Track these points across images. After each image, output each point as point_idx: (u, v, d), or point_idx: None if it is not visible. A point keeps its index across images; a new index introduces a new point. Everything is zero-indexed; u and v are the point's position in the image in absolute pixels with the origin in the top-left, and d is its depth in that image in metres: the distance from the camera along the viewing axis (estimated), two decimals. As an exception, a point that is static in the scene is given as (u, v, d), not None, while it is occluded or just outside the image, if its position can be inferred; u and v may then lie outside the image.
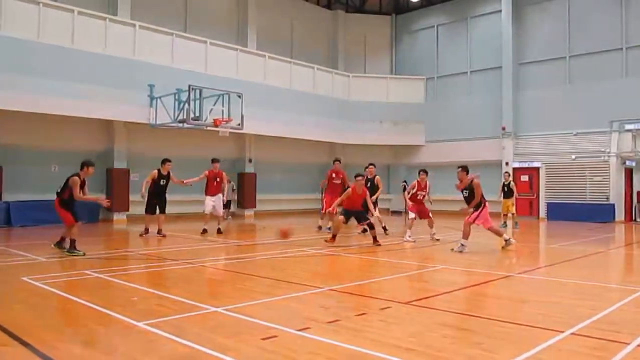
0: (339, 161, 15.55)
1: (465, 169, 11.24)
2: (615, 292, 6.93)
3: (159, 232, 13.35)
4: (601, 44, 21.36)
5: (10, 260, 9.11)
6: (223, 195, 15.01)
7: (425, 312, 5.68)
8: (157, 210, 13.46)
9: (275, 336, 4.55)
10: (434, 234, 12.96)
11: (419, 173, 13.23)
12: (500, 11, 23.95)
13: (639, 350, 4.25)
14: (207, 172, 14.25)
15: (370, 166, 14.97)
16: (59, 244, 10.03)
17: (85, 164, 9.96)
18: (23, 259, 9.24)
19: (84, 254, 9.56)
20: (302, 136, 23.30)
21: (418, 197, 13.02)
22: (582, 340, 4.56)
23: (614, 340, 4.51)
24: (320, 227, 15.12)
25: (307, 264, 9.47)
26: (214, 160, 14.46)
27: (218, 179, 14.25)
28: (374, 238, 11.83)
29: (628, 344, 4.35)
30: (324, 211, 14.93)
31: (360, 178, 12.19)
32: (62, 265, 8.72)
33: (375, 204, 13.29)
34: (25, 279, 7.25)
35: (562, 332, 4.71)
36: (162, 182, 13.44)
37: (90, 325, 5.03)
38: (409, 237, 12.69)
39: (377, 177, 14.66)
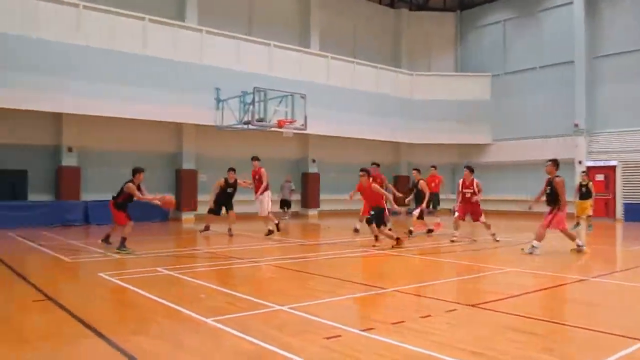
0: (378, 165, 14.99)
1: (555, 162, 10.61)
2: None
3: (229, 230, 13.69)
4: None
5: (89, 257, 9.62)
6: (272, 193, 14.66)
7: (492, 315, 5.52)
8: (224, 210, 13.76)
9: (339, 336, 4.56)
10: (494, 234, 12.51)
11: (464, 170, 12.89)
12: (572, 3, 22.92)
13: None
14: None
15: (414, 171, 14.57)
16: (106, 240, 10.83)
17: (136, 171, 10.55)
18: (100, 256, 9.73)
19: (130, 253, 9.91)
20: (366, 136, 23.25)
21: (466, 196, 12.60)
22: (663, 349, 4.30)
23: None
24: (357, 229, 14.61)
25: (370, 265, 9.44)
26: (252, 159, 14.06)
27: (257, 177, 13.79)
28: (375, 237, 11.43)
29: None
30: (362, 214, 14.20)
31: (362, 173, 11.44)
32: (135, 262, 9.11)
33: (428, 209, 13.06)
34: (101, 275, 7.63)
35: (639, 340, 4.46)
36: (229, 190, 13.65)
37: (162, 320, 5.23)
38: (454, 237, 12.42)
39: (421, 181, 14.04)
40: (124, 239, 10.21)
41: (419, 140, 25.11)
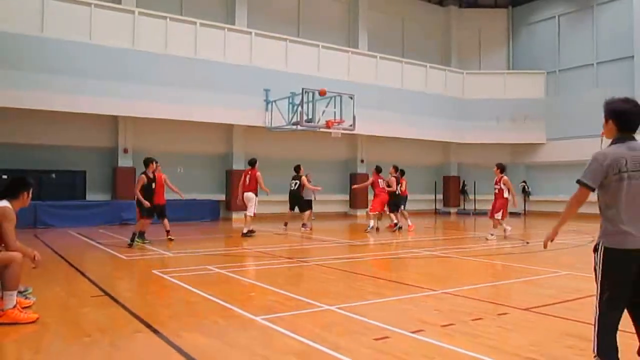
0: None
1: None
2: None
3: (303, 225, 15.00)
4: None
5: (143, 255, 9.93)
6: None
7: (547, 319, 5.35)
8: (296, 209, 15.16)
9: (388, 337, 4.53)
10: (492, 234, 12.72)
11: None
12: (632, -4, 21.97)
13: None
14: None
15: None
16: (141, 237, 11.18)
17: (147, 162, 11.26)
18: (154, 254, 10.02)
19: (133, 245, 10.68)
20: (415, 136, 23.01)
21: (495, 192, 12.83)
22: None
23: None
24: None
25: (419, 266, 9.34)
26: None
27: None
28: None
29: None
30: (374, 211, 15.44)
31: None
32: (187, 260, 9.33)
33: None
34: (155, 272, 7.86)
35: None
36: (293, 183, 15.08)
37: (213, 317, 5.34)
38: (491, 235, 12.57)
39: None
40: (138, 233, 10.90)
41: (471, 140, 24.63)
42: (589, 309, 5.96)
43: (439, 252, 10.59)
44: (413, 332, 4.67)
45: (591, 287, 7.27)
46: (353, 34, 23.42)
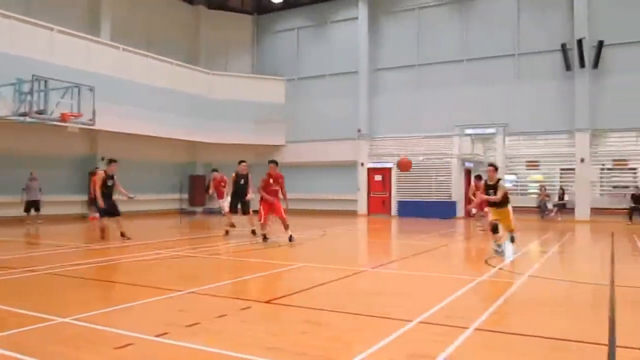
0: (276, 163, 12.61)
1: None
2: (457, 282, 7.60)
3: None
4: (446, 55, 23.38)
5: None
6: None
7: (286, 309, 5.79)
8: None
9: (131, 344, 4.33)
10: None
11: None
12: (357, 18, 25.12)
13: (476, 333, 4.73)
14: None
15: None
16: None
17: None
18: None
19: None
20: (161, 134, 22.44)
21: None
22: (429, 327, 4.95)
23: (456, 325, 4.94)
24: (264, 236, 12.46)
25: (163, 267, 9.14)
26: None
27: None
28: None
29: (467, 328, 4.81)
30: (262, 221, 12.27)
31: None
32: None
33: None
34: None
35: (412, 321, 5.06)
36: (241, 181, 13.48)
37: None
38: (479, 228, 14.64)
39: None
40: None
41: (217, 140, 25.05)
42: (322, 297, 6.64)
43: (184, 252, 10.54)
44: (157, 336, 4.55)
45: (323, 276, 8.10)
46: (94, 20, 21.79)
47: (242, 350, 4.19)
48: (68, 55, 18.52)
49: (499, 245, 10.15)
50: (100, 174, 12.61)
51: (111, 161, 12.84)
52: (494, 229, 10.16)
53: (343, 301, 6.19)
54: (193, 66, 25.20)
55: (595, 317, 5.64)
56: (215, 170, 16.46)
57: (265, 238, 12.19)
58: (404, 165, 10.33)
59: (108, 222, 12.68)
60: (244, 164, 13.72)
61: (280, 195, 12.37)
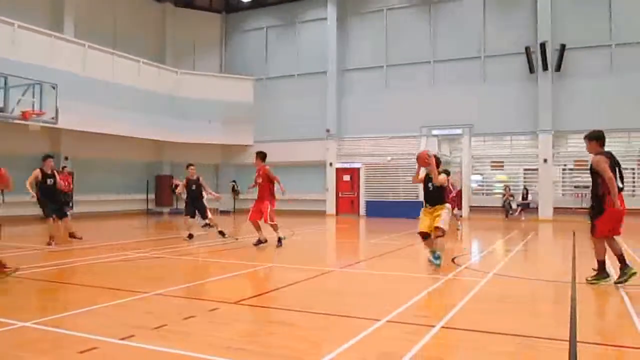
0: (261, 156, 12.29)
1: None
2: (424, 281, 7.70)
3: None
4: (413, 56, 23.63)
5: None
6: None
7: (254, 310, 5.76)
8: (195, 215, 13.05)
9: (96, 348, 4.25)
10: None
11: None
12: (326, 19, 25.17)
13: (443, 331, 4.80)
14: None
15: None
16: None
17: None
18: None
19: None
20: (126, 133, 22.05)
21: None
22: (398, 326, 4.99)
23: (424, 324, 5.00)
24: (261, 241, 11.56)
25: (130, 268, 8.99)
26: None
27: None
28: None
29: (434, 326, 4.87)
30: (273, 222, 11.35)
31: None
32: None
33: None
34: None
35: (380, 320, 5.10)
36: (193, 187, 12.90)
37: None
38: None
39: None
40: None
41: (184, 139, 24.74)
42: (291, 297, 6.63)
43: (151, 253, 10.39)
44: (123, 339, 4.47)
45: (292, 276, 8.10)
46: (57, 16, 21.26)
47: (209, 351, 4.15)
48: (30, 52, 18.01)
49: (433, 253, 8.57)
50: (36, 171, 11.46)
51: (47, 157, 11.75)
52: (424, 237, 8.69)
53: (312, 301, 6.20)
54: (160, 64, 24.84)
55: (558, 313, 5.79)
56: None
57: (279, 241, 11.19)
58: (421, 159, 9.34)
59: (56, 222, 11.82)
60: (191, 167, 13.03)
61: (276, 192, 11.65)
